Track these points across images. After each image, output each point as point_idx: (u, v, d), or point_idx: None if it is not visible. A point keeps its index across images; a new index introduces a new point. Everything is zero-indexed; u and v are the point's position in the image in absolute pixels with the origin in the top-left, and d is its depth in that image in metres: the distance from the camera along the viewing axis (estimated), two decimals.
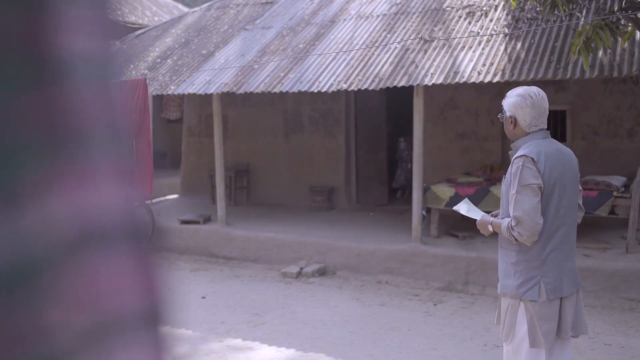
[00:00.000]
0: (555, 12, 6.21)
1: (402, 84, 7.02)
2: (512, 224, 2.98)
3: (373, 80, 7.23)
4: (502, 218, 3.14)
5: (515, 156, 3.08)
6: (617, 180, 7.05)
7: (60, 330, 0.45)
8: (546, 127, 3.18)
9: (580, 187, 3.26)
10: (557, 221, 3.04)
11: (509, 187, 3.07)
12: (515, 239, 3.00)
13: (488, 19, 7.87)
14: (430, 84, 6.90)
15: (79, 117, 0.47)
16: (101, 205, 0.48)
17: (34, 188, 0.44)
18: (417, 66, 7.23)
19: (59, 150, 0.46)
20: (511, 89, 3.30)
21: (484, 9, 8.08)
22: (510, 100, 3.14)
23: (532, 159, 2.98)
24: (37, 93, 0.44)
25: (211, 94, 8.26)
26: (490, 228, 3.19)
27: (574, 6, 6.82)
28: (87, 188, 0.47)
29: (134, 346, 0.51)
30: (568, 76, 6.45)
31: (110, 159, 0.50)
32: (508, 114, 3.15)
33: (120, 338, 0.50)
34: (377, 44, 7.94)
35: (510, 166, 3.10)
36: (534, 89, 3.15)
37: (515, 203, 2.98)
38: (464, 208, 3.56)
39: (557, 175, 3.02)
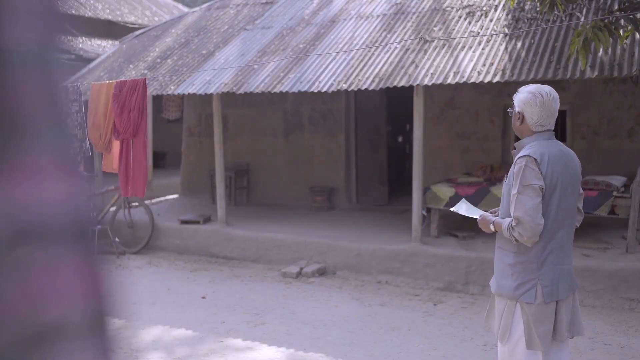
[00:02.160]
0: (555, 12, 6.21)
1: (402, 84, 7.02)
2: (513, 224, 2.97)
3: (373, 80, 7.23)
4: (503, 218, 3.14)
5: (518, 156, 3.06)
6: (617, 180, 7.05)
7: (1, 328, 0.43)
8: (553, 128, 3.16)
9: (581, 191, 3.24)
10: (557, 224, 3.03)
11: (510, 187, 3.07)
12: (516, 239, 3.00)
13: (488, 19, 7.87)
14: (430, 84, 6.90)
15: (18, 108, 0.45)
16: (41, 200, 0.46)
17: None
18: (417, 66, 7.23)
19: None
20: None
21: (484, 9, 8.08)
22: (521, 96, 3.13)
23: (534, 159, 2.97)
24: None
25: (211, 94, 8.26)
26: (492, 227, 3.19)
27: (574, 6, 6.82)
28: (27, 181, 0.45)
29: (77, 350, 0.48)
30: (568, 76, 6.45)
31: (52, 151, 0.47)
32: (517, 109, 3.14)
33: (62, 341, 0.47)
34: (377, 44, 7.94)
35: (512, 165, 3.09)
36: (547, 88, 3.11)
37: (517, 203, 2.97)
38: (463, 208, 3.56)
39: (558, 177, 3.01)
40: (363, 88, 7.21)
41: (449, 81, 6.84)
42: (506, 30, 7.48)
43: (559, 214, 3.03)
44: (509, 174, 3.13)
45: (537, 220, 2.94)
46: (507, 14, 7.83)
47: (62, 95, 0.49)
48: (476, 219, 3.35)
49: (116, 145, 6.50)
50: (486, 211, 3.42)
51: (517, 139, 3.26)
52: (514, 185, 3.00)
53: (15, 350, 0.44)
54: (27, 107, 0.46)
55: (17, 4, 0.45)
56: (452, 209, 3.68)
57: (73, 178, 0.49)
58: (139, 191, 6.28)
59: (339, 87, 7.35)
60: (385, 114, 10.32)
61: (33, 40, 0.46)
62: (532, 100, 3.07)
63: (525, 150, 3.06)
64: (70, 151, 0.49)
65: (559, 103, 3.14)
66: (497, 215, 3.24)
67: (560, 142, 3.21)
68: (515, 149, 3.19)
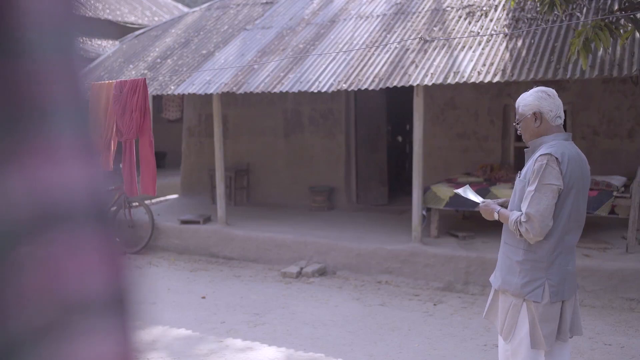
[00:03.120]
0: (554, 12, 6.21)
1: (402, 84, 7.02)
2: (522, 219, 2.95)
3: (373, 80, 7.23)
4: (512, 211, 3.12)
5: (539, 153, 3.02)
6: (617, 180, 7.05)
7: (20, 314, 0.44)
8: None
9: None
10: (569, 225, 3.02)
11: (525, 184, 3.04)
12: (520, 234, 2.99)
13: (488, 19, 7.87)
14: (430, 84, 6.90)
15: (38, 92, 0.46)
16: (63, 183, 0.47)
17: None
18: (416, 66, 7.23)
19: (17, 125, 0.44)
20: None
21: (484, 9, 8.08)
22: (530, 98, 3.13)
23: (556, 158, 2.95)
24: None
25: (211, 94, 8.26)
26: (496, 216, 3.18)
27: (574, 6, 6.82)
28: (48, 165, 0.46)
29: (99, 331, 0.49)
30: (568, 76, 6.45)
31: (72, 135, 0.48)
32: (531, 112, 3.12)
33: (83, 323, 0.48)
34: (377, 44, 7.94)
35: (531, 162, 3.05)
36: (544, 87, 3.19)
37: (531, 200, 2.95)
38: (467, 192, 3.57)
39: (575, 180, 3.00)
40: (363, 88, 7.21)
41: (449, 81, 6.84)
42: (506, 30, 7.48)
43: (572, 215, 3.02)
44: (523, 170, 3.11)
45: (547, 221, 2.93)
46: (507, 14, 7.83)
47: (83, 91, 0.50)
48: (479, 210, 3.34)
49: (119, 144, 6.52)
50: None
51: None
52: (532, 182, 2.97)
53: (38, 330, 0.45)
54: (48, 93, 0.47)
55: (38, 6, 0.46)
56: (455, 191, 3.68)
57: (93, 169, 0.50)
58: (150, 189, 6.33)
59: (339, 87, 7.34)
60: (385, 114, 10.32)
61: (54, 28, 0.47)
62: (542, 96, 3.11)
63: (547, 148, 3.02)
64: (91, 143, 0.50)
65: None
66: (504, 207, 3.23)
67: (575, 145, 3.21)
68: (529, 147, 3.18)
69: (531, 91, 3.17)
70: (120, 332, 0.52)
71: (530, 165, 3.06)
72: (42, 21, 0.46)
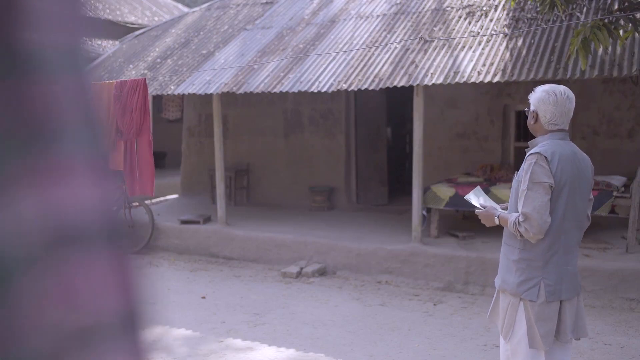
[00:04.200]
0: (555, 12, 6.21)
1: (402, 84, 7.02)
2: (520, 220, 2.97)
3: (373, 80, 7.23)
4: (511, 213, 3.14)
5: (529, 153, 3.06)
6: (617, 180, 7.05)
7: (36, 335, 0.43)
8: (567, 128, 3.15)
9: (591, 197, 3.22)
10: (564, 224, 3.02)
11: (519, 183, 3.07)
12: (521, 235, 3.00)
13: (488, 19, 7.87)
14: (430, 84, 6.90)
15: (51, 111, 0.45)
16: (76, 203, 0.46)
17: (5, 185, 0.42)
18: (417, 66, 7.23)
19: (31, 145, 0.44)
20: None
21: (484, 9, 8.08)
22: (536, 95, 3.13)
23: (545, 157, 2.97)
24: (6, 86, 0.43)
25: (211, 94, 8.26)
26: (497, 221, 3.19)
27: (574, 6, 6.82)
28: (62, 185, 0.45)
29: (113, 351, 0.49)
30: (568, 76, 6.45)
31: (85, 154, 0.48)
32: (532, 108, 3.14)
33: (98, 343, 0.47)
34: (377, 44, 7.94)
35: (523, 162, 3.09)
36: (562, 87, 3.11)
37: (525, 199, 2.96)
38: (474, 196, 3.55)
39: (567, 178, 3.00)
40: (363, 88, 7.21)
41: (449, 81, 6.84)
42: (506, 30, 7.48)
43: (567, 214, 3.02)
44: (519, 170, 3.14)
45: (545, 217, 2.94)
46: (507, 14, 7.83)
47: (91, 96, 0.49)
48: (478, 216, 3.33)
49: (119, 144, 6.53)
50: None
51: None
52: (523, 182, 3.00)
53: (52, 352, 0.44)
54: (58, 109, 0.46)
55: (44, 7, 0.46)
56: (465, 197, 3.66)
57: (105, 180, 0.50)
58: (148, 189, 6.33)
59: (339, 87, 7.34)
60: (385, 114, 10.32)
61: (62, 43, 0.47)
62: (545, 98, 3.08)
63: (537, 148, 3.06)
64: (102, 152, 0.50)
65: (574, 103, 3.12)
66: (506, 210, 3.24)
67: (575, 145, 3.20)
68: (529, 147, 3.19)
69: (542, 88, 3.14)
70: (133, 352, 0.52)
71: (522, 164, 3.09)
72: (53, 39, 0.46)
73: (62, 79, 0.47)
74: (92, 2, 0.51)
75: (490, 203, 3.44)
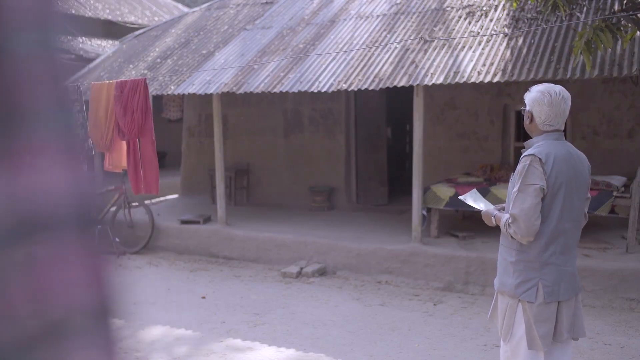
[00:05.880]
0: (557, 13, 6.21)
1: (402, 84, 7.02)
2: (509, 221, 2.99)
3: (373, 80, 7.23)
4: (503, 214, 3.15)
5: (523, 155, 3.07)
6: (617, 180, 7.05)
7: (3, 325, 0.42)
8: (562, 128, 3.14)
9: (589, 195, 3.21)
10: (561, 225, 3.02)
11: (514, 184, 3.07)
12: (511, 236, 3.01)
13: (488, 19, 7.87)
14: (430, 84, 6.90)
15: (18, 93, 0.44)
16: (45, 193, 0.44)
17: None
18: (417, 66, 7.23)
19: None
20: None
21: (484, 9, 8.08)
22: (531, 95, 3.12)
23: (539, 159, 2.97)
24: None
25: (211, 94, 8.26)
26: (494, 221, 3.19)
27: (575, 6, 6.82)
28: (31, 174, 0.44)
29: (81, 347, 0.47)
30: (568, 76, 6.45)
31: (56, 146, 0.46)
32: (527, 108, 3.14)
33: (67, 332, 0.46)
34: (377, 44, 7.94)
35: (518, 163, 3.10)
36: (557, 87, 3.09)
37: (515, 201, 2.98)
38: (470, 199, 3.56)
39: (563, 179, 2.99)
40: (363, 88, 7.21)
41: (449, 81, 6.84)
42: (506, 30, 7.48)
43: (564, 215, 3.02)
44: (515, 171, 3.14)
45: (533, 220, 2.94)
46: (507, 14, 7.83)
47: (65, 91, 0.48)
48: (481, 214, 3.36)
49: (123, 144, 6.56)
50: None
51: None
52: (516, 183, 3.02)
53: (19, 347, 0.43)
54: (31, 102, 0.45)
55: (18, 4, 0.44)
56: (460, 197, 3.68)
57: (77, 173, 0.48)
58: (153, 188, 6.37)
59: (339, 87, 7.34)
60: (385, 114, 10.32)
61: (35, 39, 0.46)
62: (540, 99, 3.07)
63: (532, 149, 3.06)
64: (75, 147, 0.48)
65: (569, 103, 3.10)
66: (503, 210, 3.25)
67: (570, 144, 3.19)
68: (525, 147, 3.19)
69: (538, 88, 3.12)
70: (103, 343, 0.50)
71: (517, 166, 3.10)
72: (19, 18, 0.44)
73: (28, 59, 0.45)
74: None
75: (487, 205, 3.45)
